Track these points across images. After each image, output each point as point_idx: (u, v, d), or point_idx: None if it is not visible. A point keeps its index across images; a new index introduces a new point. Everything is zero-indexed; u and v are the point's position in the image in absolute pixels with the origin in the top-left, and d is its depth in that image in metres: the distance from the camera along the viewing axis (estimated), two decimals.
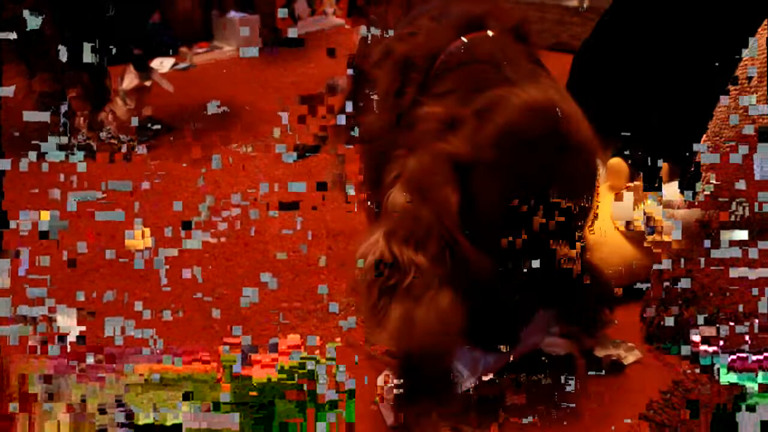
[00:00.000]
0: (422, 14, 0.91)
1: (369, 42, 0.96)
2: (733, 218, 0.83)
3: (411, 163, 0.71)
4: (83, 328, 0.85)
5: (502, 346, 0.77)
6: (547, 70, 0.82)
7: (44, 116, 1.11)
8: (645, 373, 0.90)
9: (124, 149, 1.53)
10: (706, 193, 0.87)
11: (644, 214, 0.99)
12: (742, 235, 0.81)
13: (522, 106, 0.68)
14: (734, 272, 0.80)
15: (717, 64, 0.96)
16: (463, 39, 0.80)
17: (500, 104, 0.68)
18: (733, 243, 0.81)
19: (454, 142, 0.68)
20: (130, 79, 1.55)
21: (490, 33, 0.81)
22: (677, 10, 1.14)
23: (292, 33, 1.85)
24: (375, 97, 0.86)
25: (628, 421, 0.82)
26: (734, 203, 0.83)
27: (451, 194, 0.68)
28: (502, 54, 0.76)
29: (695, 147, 0.90)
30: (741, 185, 0.83)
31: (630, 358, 0.91)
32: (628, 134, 1.20)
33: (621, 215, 1.02)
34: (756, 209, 0.80)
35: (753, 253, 0.80)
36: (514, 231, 0.68)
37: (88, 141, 1.51)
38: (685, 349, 0.88)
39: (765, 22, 0.87)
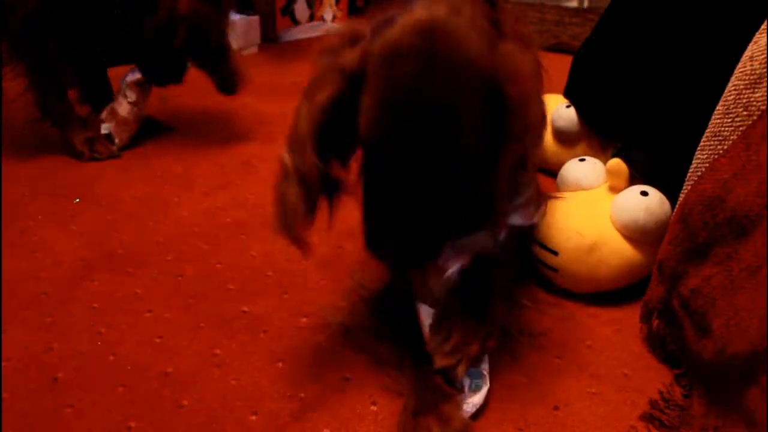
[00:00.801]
0: None
1: None
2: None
3: (317, 62, 0.78)
4: None
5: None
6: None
7: None
8: (646, 374, 0.90)
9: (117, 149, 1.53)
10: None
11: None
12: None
13: (403, 23, 0.72)
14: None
15: (718, 62, 0.96)
16: None
17: (390, 23, 0.73)
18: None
19: (348, 55, 0.75)
20: (133, 73, 1.55)
21: None
22: (677, 8, 1.14)
23: (291, 36, 1.85)
24: None
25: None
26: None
27: (332, 90, 0.75)
28: None
29: None
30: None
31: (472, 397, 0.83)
32: (628, 135, 1.21)
33: (620, 216, 1.02)
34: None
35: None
36: (384, 137, 0.72)
37: (89, 140, 1.51)
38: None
39: (767, 21, 0.87)
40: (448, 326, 0.84)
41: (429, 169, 0.72)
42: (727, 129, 0.84)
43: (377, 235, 0.78)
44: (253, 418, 0.81)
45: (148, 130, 1.64)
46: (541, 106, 0.82)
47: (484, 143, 0.73)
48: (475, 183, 0.76)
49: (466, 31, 0.72)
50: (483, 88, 0.72)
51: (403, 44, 0.70)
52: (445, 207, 0.75)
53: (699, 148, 0.89)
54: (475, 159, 0.73)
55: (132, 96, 1.55)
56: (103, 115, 1.55)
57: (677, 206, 0.92)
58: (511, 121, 0.73)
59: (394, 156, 0.72)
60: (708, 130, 0.88)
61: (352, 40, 0.76)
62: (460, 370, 0.82)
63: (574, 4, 2.70)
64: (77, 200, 1.32)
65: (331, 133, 0.77)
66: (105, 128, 1.54)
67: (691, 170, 0.90)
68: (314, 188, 0.79)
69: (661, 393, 0.86)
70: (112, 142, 1.53)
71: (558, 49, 1.82)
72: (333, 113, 0.76)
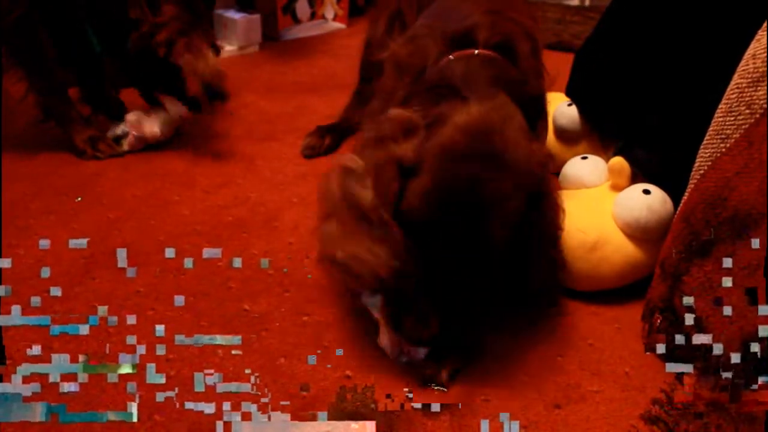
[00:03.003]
0: (423, 25, 1.10)
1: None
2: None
3: (368, 155, 0.85)
4: None
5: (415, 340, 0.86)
6: (527, 80, 0.98)
7: None
8: (648, 372, 0.90)
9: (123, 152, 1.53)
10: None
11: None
12: None
13: (459, 124, 0.80)
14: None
15: (720, 60, 0.96)
16: (450, 57, 0.97)
17: (444, 121, 0.81)
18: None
19: (405, 147, 0.82)
20: (177, 108, 1.55)
21: (476, 51, 0.97)
22: (679, 6, 1.14)
23: (293, 35, 1.85)
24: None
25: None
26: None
27: (393, 185, 0.81)
28: (465, 78, 0.91)
29: None
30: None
31: None
32: (630, 133, 1.21)
33: (623, 214, 1.02)
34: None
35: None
36: (434, 232, 0.80)
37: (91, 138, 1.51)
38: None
39: None
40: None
41: (467, 254, 0.80)
42: (729, 127, 0.84)
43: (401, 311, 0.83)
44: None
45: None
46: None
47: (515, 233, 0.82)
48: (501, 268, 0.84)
49: (516, 136, 0.82)
50: (527, 186, 0.82)
51: (462, 147, 0.79)
52: (471, 290, 0.83)
53: (702, 146, 0.89)
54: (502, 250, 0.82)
55: (167, 128, 1.54)
56: (131, 117, 1.54)
57: (680, 205, 0.92)
58: (542, 218, 0.87)
59: (438, 239, 0.79)
60: (711, 129, 0.88)
61: (406, 131, 0.83)
62: (444, 375, 0.87)
63: (575, 2, 2.69)
64: (79, 198, 1.32)
65: None
66: (122, 131, 1.53)
67: (694, 169, 0.90)
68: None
69: (663, 391, 0.86)
70: (119, 143, 1.53)
71: (559, 47, 1.82)
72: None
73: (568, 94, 1.42)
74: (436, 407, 0.83)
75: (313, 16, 2.67)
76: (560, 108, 1.40)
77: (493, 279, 0.84)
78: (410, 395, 0.85)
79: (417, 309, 0.82)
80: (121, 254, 1.02)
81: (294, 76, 2.10)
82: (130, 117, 1.54)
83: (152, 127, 1.53)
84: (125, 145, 1.52)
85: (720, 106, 0.87)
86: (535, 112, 1.01)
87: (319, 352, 0.92)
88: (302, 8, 2.61)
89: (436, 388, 0.87)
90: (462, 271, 0.81)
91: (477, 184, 0.78)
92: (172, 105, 1.54)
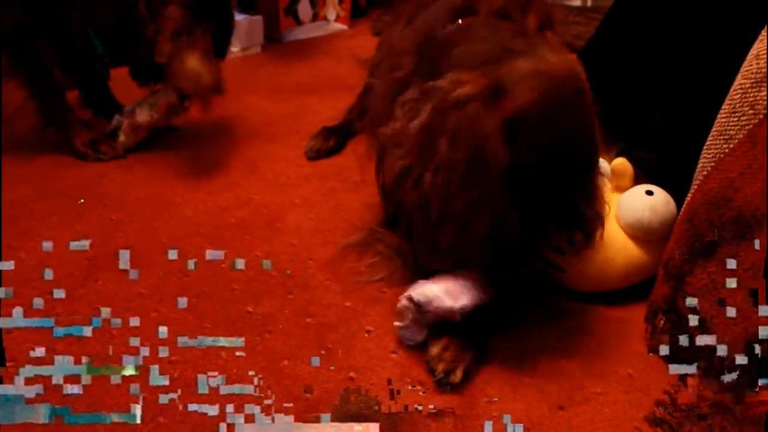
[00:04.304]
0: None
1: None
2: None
3: (463, 120, 0.85)
4: None
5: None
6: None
7: None
8: (651, 374, 0.90)
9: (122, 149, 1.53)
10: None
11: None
12: None
13: (552, 75, 0.85)
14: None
15: (722, 61, 0.96)
16: (459, 21, 1.01)
17: (531, 76, 0.84)
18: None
19: (506, 106, 0.83)
20: (168, 93, 1.54)
21: (481, 17, 1.01)
22: (681, 7, 1.14)
23: (295, 36, 1.84)
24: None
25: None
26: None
27: (501, 150, 0.83)
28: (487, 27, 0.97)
29: None
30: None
31: None
32: (632, 134, 1.21)
33: (626, 215, 1.02)
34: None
35: None
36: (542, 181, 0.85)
37: (92, 141, 1.51)
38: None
39: None
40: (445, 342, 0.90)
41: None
42: (733, 128, 0.84)
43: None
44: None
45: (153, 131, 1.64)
46: None
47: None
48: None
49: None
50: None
51: (559, 97, 0.84)
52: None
53: (705, 147, 0.89)
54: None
55: (157, 114, 1.54)
56: (125, 108, 1.55)
57: (684, 206, 0.91)
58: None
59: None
60: (714, 129, 0.88)
61: (498, 91, 0.84)
62: (458, 374, 0.87)
63: (577, 2, 2.69)
64: (82, 200, 1.32)
65: None
66: (117, 120, 1.53)
67: (697, 170, 0.90)
68: None
69: (666, 393, 0.86)
70: (114, 138, 1.52)
71: None
72: None
73: None
74: (439, 408, 0.83)
75: (315, 17, 2.67)
76: None
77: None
78: (419, 390, 0.86)
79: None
80: (124, 256, 1.02)
81: (296, 77, 2.10)
82: (125, 108, 1.55)
83: (143, 114, 1.53)
84: (121, 136, 1.51)
85: (723, 107, 0.87)
86: None
87: (322, 353, 0.92)
88: (304, 9, 2.61)
89: (449, 387, 0.86)
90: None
91: (577, 129, 0.85)
92: (164, 93, 1.54)
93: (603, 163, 1.14)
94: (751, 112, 0.82)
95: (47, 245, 1.12)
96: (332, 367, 0.90)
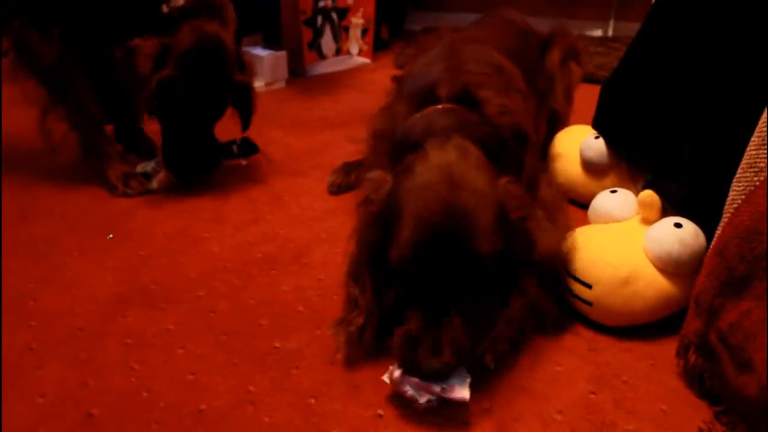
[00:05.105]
0: (397, 90, 1.31)
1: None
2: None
3: (359, 211, 0.99)
4: None
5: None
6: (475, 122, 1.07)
7: None
8: (685, 410, 0.88)
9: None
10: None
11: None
12: None
13: (424, 167, 0.92)
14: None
15: (750, 91, 0.96)
16: (417, 115, 1.10)
17: (409, 168, 0.94)
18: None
19: (376, 198, 0.95)
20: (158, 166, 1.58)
21: (439, 107, 1.10)
22: (708, 37, 1.13)
23: (319, 71, 1.87)
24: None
25: None
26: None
27: (372, 232, 0.95)
28: (425, 131, 1.04)
29: None
30: None
31: None
32: (659, 165, 1.20)
33: (654, 248, 1.01)
34: None
35: None
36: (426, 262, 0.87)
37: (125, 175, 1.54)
38: None
39: None
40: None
41: (457, 271, 0.86)
42: (763, 160, 0.83)
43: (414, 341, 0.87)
44: None
45: None
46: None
47: (497, 254, 0.89)
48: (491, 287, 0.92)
49: (474, 167, 0.93)
50: (493, 209, 0.89)
51: (430, 180, 0.89)
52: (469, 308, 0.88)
53: (735, 179, 0.88)
54: (492, 266, 0.89)
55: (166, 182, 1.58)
56: (150, 165, 1.59)
57: (714, 239, 0.90)
58: (517, 240, 0.93)
59: (432, 267, 0.86)
60: (743, 162, 0.87)
61: (378, 188, 0.96)
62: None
63: (598, 33, 2.70)
64: (110, 236, 1.34)
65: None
66: (152, 167, 1.57)
67: (727, 202, 0.89)
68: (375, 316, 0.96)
69: (701, 430, 0.84)
70: (148, 179, 1.56)
71: (584, 79, 1.81)
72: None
73: (594, 127, 1.42)
74: None
75: (338, 51, 2.71)
76: (587, 141, 1.40)
77: (492, 297, 0.93)
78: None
79: (426, 341, 0.85)
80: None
81: (320, 111, 2.12)
82: (150, 164, 1.58)
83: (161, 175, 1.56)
84: (155, 183, 1.54)
85: (753, 139, 0.87)
86: (509, 149, 1.09)
87: (350, 390, 0.92)
88: (327, 44, 2.65)
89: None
90: (460, 291, 0.87)
91: (450, 203, 0.87)
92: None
93: (630, 195, 1.14)
94: None
95: (78, 280, 1.14)
96: (360, 405, 0.90)
